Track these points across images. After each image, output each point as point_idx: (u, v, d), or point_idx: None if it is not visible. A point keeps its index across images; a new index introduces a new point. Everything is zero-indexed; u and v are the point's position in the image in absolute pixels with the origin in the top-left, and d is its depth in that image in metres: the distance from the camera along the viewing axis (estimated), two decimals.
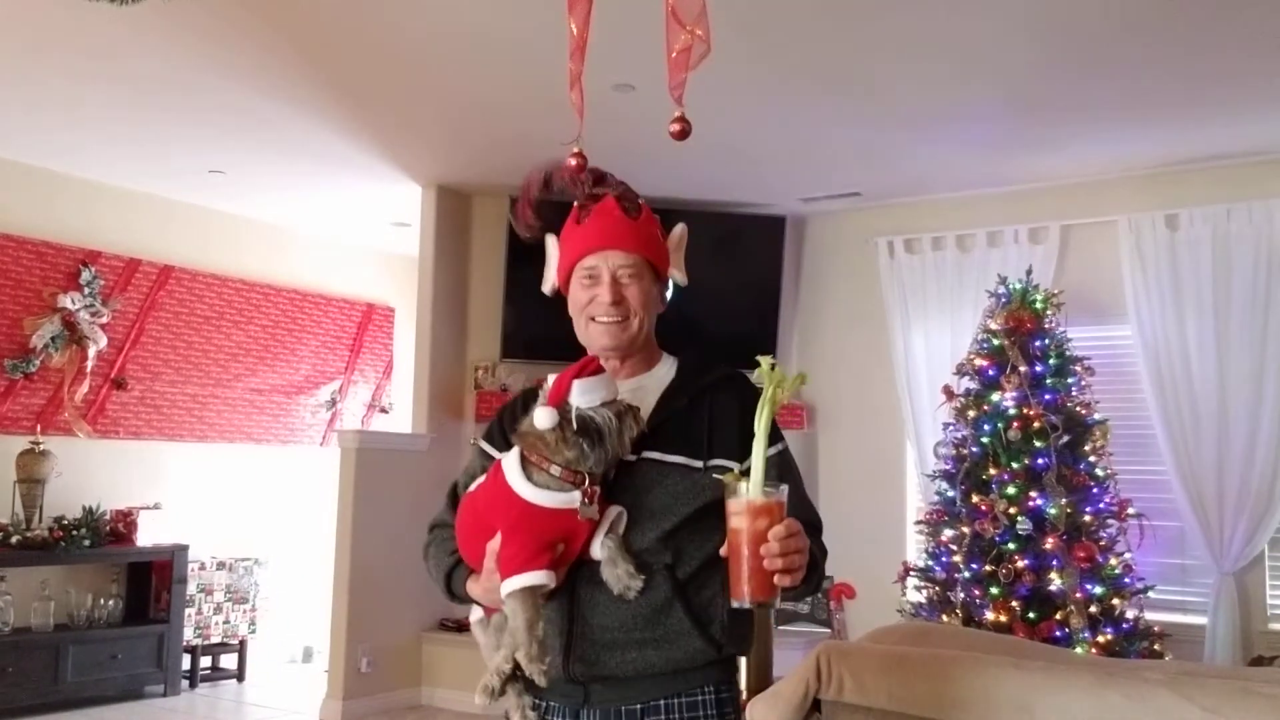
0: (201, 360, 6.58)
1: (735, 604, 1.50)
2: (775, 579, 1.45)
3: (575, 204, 1.73)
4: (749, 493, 1.48)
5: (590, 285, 1.70)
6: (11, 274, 5.70)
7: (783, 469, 1.64)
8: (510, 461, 1.57)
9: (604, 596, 1.58)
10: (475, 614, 1.73)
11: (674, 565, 1.60)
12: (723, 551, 1.52)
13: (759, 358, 1.51)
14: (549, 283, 1.78)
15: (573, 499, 1.52)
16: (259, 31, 4.03)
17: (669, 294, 1.80)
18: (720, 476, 1.55)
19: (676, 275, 1.77)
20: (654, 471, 1.63)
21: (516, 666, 1.61)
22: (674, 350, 1.81)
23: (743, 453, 1.64)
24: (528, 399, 1.70)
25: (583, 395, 1.53)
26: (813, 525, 1.64)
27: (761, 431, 1.49)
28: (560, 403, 1.53)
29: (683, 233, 1.78)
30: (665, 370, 1.76)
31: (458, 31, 4.03)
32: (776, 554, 1.44)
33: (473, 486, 1.68)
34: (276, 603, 6.77)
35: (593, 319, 1.70)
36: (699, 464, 1.64)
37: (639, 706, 1.61)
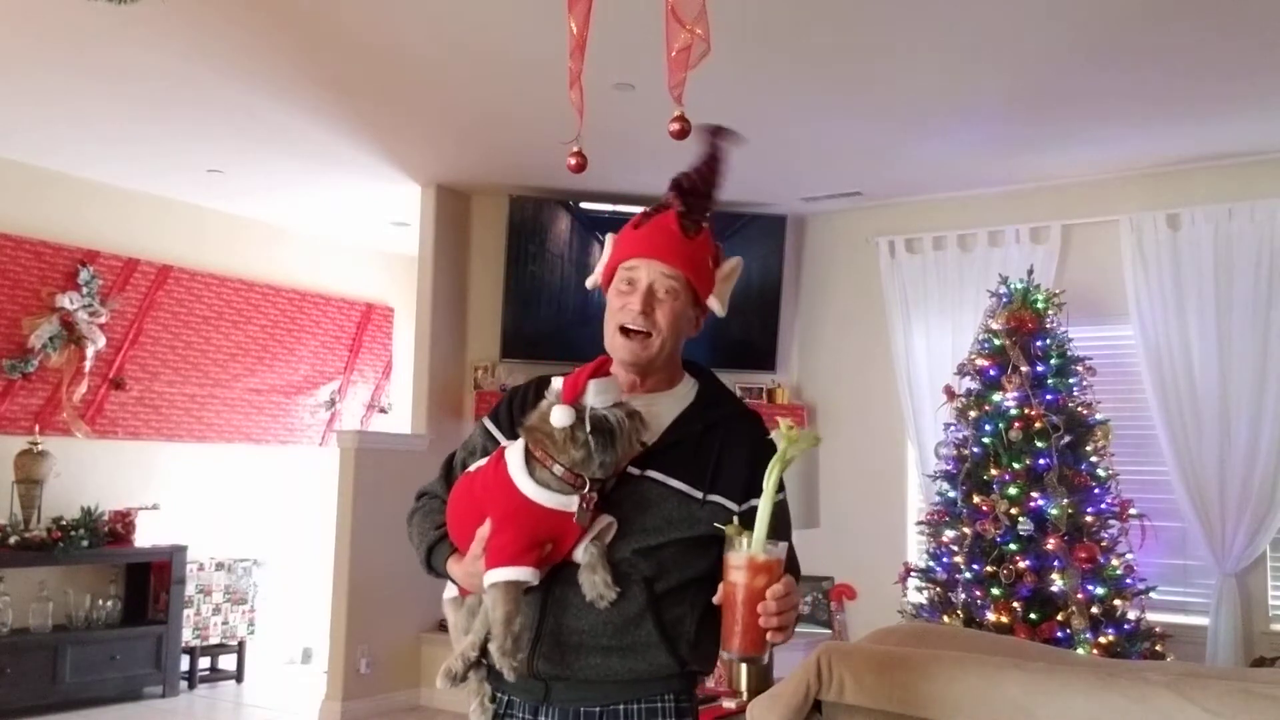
0: (200, 360, 6.57)
1: (725, 656, 1.51)
2: (768, 636, 1.47)
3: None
4: (751, 548, 1.47)
5: (626, 292, 1.70)
6: (9, 274, 5.69)
7: (780, 519, 1.63)
8: (514, 453, 1.57)
9: (578, 599, 1.59)
10: (449, 592, 1.73)
11: (653, 579, 1.60)
12: (716, 600, 1.53)
13: (780, 420, 1.54)
14: (593, 277, 1.80)
15: (571, 503, 1.53)
16: (257, 30, 4.02)
17: (703, 320, 1.79)
18: (721, 526, 1.55)
19: (715, 305, 1.76)
20: (654, 491, 1.63)
21: (482, 654, 1.61)
22: (692, 368, 1.81)
23: (743, 495, 1.66)
24: (540, 388, 1.69)
25: (598, 395, 1.54)
26: (796, 575, 1.64)
27: (770, 489, 1.49)
28: (575, 401, 1.53)
29: (737, 264, 1.79)
30: (685, 391, 1.76)
31: (457, 30, 4.02)
32: (774, 613, 1.46)
33: (472, 467, 1.68)
34: (275, 604, 6.76)
35: (620, 328, 1.69)
36: (698, 495, 1.64)
37: (598, 709, 1.62)
